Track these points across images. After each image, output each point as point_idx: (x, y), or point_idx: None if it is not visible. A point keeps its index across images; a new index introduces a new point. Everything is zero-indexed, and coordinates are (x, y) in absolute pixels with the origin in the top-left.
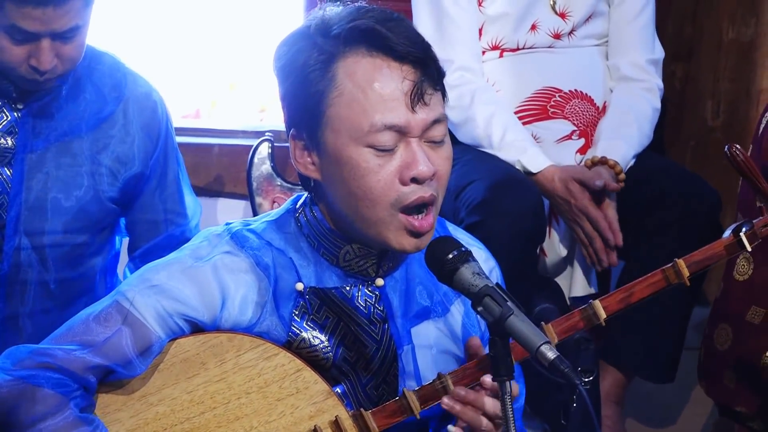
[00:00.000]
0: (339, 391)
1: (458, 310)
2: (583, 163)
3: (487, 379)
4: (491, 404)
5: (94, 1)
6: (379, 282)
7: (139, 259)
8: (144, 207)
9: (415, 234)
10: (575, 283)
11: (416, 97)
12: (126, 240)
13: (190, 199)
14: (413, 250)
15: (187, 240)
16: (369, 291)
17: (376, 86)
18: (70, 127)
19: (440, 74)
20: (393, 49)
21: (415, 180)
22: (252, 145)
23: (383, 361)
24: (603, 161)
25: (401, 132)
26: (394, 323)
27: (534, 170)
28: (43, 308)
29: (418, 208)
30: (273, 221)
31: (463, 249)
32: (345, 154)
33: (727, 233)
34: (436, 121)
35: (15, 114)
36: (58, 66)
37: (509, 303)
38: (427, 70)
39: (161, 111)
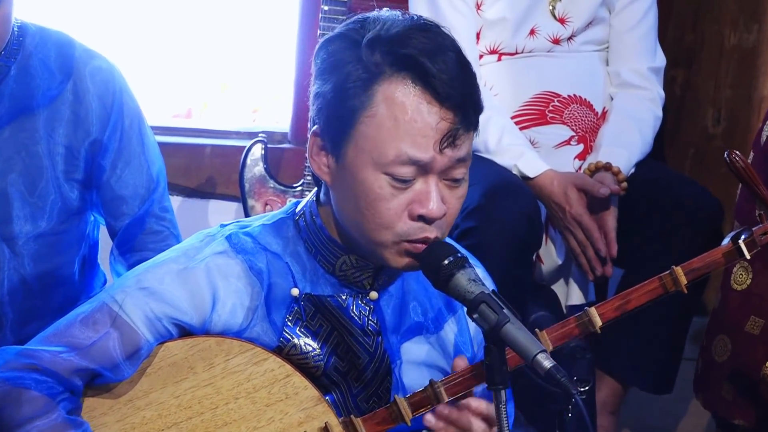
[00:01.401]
0: (329, 399)
1: (451, 328)
2: (584, 168)
3: (474, 403)
4: (478, 427)
5: None
6: (374, 295)
7: (117, 249)
8: (111, 181)
9: (413, 256)
10: (572, 292)
11: (448, 142)
12: (105, 231)
13: (156, 168)
14: (408, 270)
15: (157, 215)
16: (363, 303)
17: (409, 118)
18: (22, 108)
19: (477, 114)
20: (435, 89)
21: (422, 218)
22: (245, 146)
23: (376, 373)
24: (606, 167)
25: (423, 168)
26: (387, 338)
27: (531, 175)
28: (24, 305)
29: (422, 241)
30: (270, 224)
31: (459, 255)
32: (362, 175)
33: (726, 241)
34: (460, 160)
35: None
36: None
37: (505, 310)
38: (465, 114)
39: (115, 81)
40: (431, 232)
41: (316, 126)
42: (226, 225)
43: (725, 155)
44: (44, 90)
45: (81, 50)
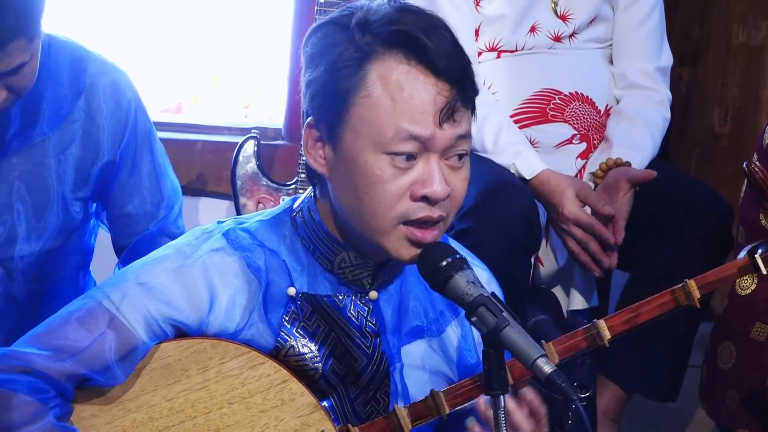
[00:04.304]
0: (326, 405)
1: (454, 332)
2: (589, 165)
3: (529, 395)
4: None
5: (42, 35)
6: (373, 295)
7: (123, 264)
8: (120, 200)
9: (416, 244)
10: (574, 296)
11: (446, 116)
12: (101, 237)
13: (169, 187)
14: (410, 260)
15: (170, 234)
16: (362, 303)
17: (406, 95)
18: (33, 132)
19: (475, 92)
20: (432, 62)
21: (426, 199)
22: (237, 142)
23: (374, 376)
24: (619, 163)
25: (424, 146)
26: (386, 339)
27: (527, 176)
28: (14, 323)
29: (423, 222)
30: (267, 221)
31: (457, 256)
32: (361, 158)
33: (743, 254)
34: (461, 137)
35: None
36: (10, 96)
37: (505, 314)
38: (462, 89)
39: (129, 96)
40: (433, 212)
41: (309, 117)
42: (224, 221)
43: (744, 165)
44: (54, 110)
45: (94, 64)
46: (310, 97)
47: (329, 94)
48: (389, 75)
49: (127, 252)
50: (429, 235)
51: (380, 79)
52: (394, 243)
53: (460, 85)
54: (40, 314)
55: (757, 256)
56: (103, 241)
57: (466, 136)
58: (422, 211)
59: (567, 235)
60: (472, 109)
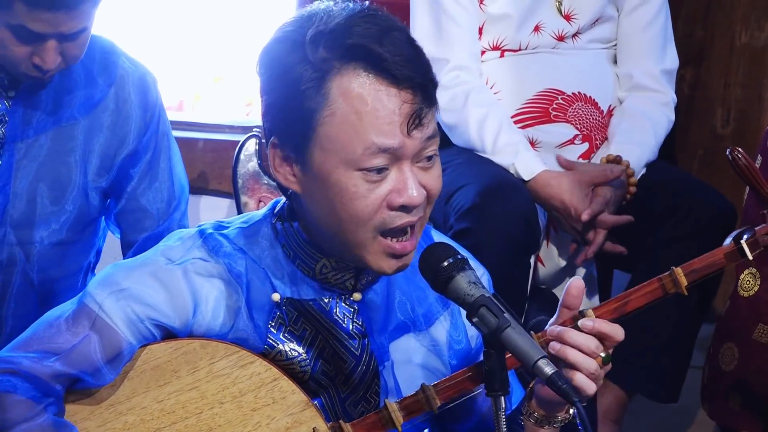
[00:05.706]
0: (317, 404)
1: (443, 325)
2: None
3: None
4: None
5: (101, 1)
6: (357, 296)
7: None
8: (135, 192)
9: (396, 256)
10: None
11: (414, 124)
12: (108, 239)
13: (179, 186)
14: (393, 273)
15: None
16: (346, 304)
17: (370, 108)
18: (63, 114)
19: (435, 87)
20: (391, 72)
21: (403, 207)
22: (238, 141)
23: (363, 376)
24: (617, 160)
25: (395, 155)
26: (374, 339)
27: (525, 178)
28: (26, 308)
29: (401, 232)
30: (247, 228)
31: (459, 257)
32: (333, 177)
33: (728, 241)
34: (429, 138)
35: (5, 102)
36: (61, 64)
37: (506, 314)
38: (425, 93)
39: (154, 93)
40: (412, 218)
41: (273, 137)
42: (203, 225)
43: (728, 152)
44: (85, 97)
45: (124, 58)
46: (271, 119)
47: (293, 117)
48: (351, 89)
49: (135, 250)
50: (408, 245)
51: (342, 96)
52: (374, 257)
53: (423, 89)
54: (52, 303)
55: (742, 241)
56: (106, 243)
57: (434, 135)
58: (401, 218)
59: (578, 235)
60: (435, 104)
